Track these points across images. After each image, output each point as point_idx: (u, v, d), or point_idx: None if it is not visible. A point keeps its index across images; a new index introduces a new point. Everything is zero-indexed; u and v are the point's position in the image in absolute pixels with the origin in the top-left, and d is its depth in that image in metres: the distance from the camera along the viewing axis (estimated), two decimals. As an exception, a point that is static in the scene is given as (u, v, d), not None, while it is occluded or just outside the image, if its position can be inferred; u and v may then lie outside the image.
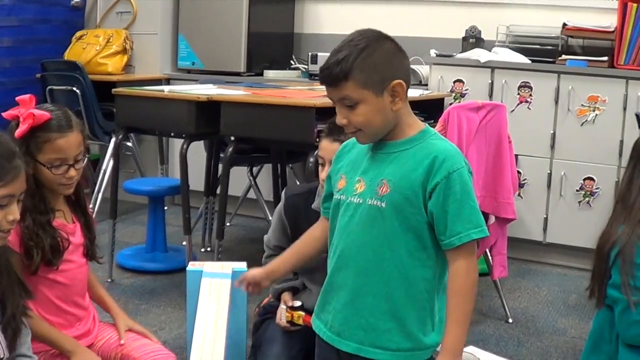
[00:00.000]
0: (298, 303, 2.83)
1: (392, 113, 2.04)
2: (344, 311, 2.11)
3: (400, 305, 2.04)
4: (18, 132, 2.41)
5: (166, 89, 4.55)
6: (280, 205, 3.07)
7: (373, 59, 2.00)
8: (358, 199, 2.08)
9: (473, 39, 5.45)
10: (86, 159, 2.55)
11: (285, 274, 2.53)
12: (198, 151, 5.04)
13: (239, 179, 5.35)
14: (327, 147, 2.78)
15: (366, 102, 2.02)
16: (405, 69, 2.07)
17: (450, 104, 4.45)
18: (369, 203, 2.05)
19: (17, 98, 2.49)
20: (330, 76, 2.03)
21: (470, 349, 2.78)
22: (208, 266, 2.73)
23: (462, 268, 2.00)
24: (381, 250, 2.04)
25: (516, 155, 4.29)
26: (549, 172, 5.06)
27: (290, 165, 5.52)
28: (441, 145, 2.05)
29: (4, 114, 2.48)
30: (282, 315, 2.83)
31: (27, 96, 2.47)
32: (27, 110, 2.43)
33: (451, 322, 2.01)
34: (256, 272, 2.46)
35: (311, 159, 3.67)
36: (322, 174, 2.77)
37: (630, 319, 2.40)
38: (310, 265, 2.55)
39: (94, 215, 5.66)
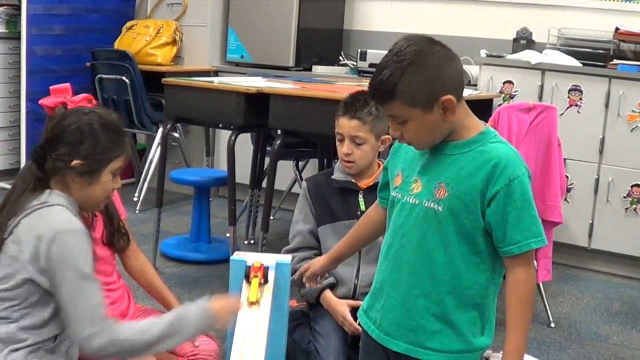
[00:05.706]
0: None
1: (444, 124, 1.98)
2: (394, 311, 2.09)
3: (451, 308, 2.03)
4: None
5: (215, 80, 4.57)
6: (303, 190, 3.17)
7: (419, 77, 1.91)
8: (414, 200, 2.05)
9: (524, 40, 5.41)
10: None
11: (349, 256, 2.54)
12: (243, 144, 5.04)
13: (284, 173, 5.36)
14: (345, 124, 2.95)
15: (415, 119, 1.96)
16: (456, 76, 1.99)
17: (499, 105, 4.42)
18: (426, 205, 2.02)
19: (51, 88, 2.47)
20: (376, 95, 1.99)
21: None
22: (251, 257, 2.72)
23: (522, 277, 1.99)
24: (435, 254, 2.01)
25: (564, 159, 4.25)
26: (596, 177, 5.01)
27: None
28: (502, 150, 2.00)
29: (42, 101, 2.45)
30: (350, 324, 2.81)
31: (63, 85, 2.47)
32: (71, 97, 2.44)
33: (512, 329, 1.99)
34: (322, 261, 2.52)
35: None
36: (343, 149, 2.97)
37: None
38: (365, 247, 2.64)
39: (138, 205, 5.79)
